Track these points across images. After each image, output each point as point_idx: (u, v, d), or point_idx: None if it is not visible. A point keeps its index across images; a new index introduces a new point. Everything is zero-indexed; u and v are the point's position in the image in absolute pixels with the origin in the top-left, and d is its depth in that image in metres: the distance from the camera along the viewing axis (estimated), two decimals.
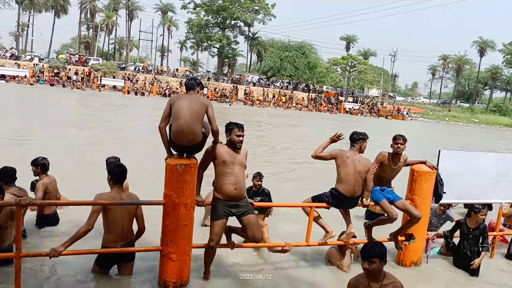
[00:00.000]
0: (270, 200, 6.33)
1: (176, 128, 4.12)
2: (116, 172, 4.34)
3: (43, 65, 45.30)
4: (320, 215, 5.17)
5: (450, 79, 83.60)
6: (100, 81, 44.06)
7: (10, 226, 4.35)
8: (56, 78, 42.72)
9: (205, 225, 5.80)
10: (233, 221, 4.55)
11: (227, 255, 4.99)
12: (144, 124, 19.87)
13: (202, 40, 63.89)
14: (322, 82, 63.01)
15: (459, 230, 5.71)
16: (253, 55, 70.97)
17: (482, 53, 69.67)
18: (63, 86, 40.80)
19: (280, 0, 61.97)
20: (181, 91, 44.59)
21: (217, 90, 49.71)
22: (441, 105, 70.49)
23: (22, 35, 66.56)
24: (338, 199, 4.95)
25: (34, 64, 45.18)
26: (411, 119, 52.91)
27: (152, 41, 66.75)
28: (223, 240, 4.56)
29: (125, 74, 49.23)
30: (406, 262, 5.51)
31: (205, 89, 40.07)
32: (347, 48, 73.41)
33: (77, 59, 49.99)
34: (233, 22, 62.51)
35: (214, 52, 66.12)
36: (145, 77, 50.25)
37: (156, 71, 55.03)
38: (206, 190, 5.81)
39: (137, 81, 48.18)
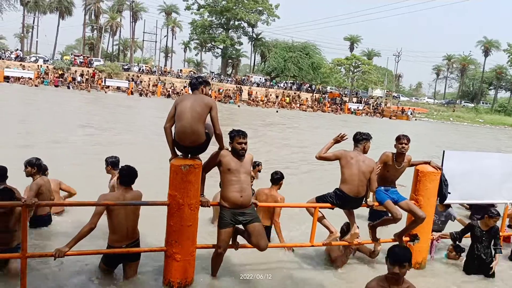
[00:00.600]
0: None
1: (179, 129, 4.15)
2: (125, 173, 4.37)
3: (47, 67, 45.52)
4: (324, 216, 5.17)
5: (454, 79, 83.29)
6: (105, 82, 44.22)
7: (18, 228, 4.37)
8: (60, 79, 42.91)
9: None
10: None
11: (232, 254, 4.98)
12: (149, 125, 19.91)
13: (206, 41, 63.98)
14: (326, 83, 62.93)
15: (470, 232, 5.62)
16: (256, 55, 71.10)
17: (486, 53, 69.36)
18: (68, 87, 40.96)
19: (283, 1, 62.02)
20: (185, 92, 44.76)
21: (221, 91, 49.78)
22: (445, 105, 70.21)
23: (27, 37, 66.91)
24: (342, 200, 4.95)
25: (38, 65, 45.40)
26: (416, 120, 52.74)
27: (156, 42, 67.15)
28: None
29: (129, 75, 49.38)
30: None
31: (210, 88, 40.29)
32: (351, 48, 73.27)
33: (81, 60, 50.23)
34: (236, 23, 62.57)
35: (217, 53, 66.23)
36: (149, 78, 50.39)
37: (160, 72, 55.15)
38: (215, 191, 5.83)
39: (141, 82, 48.32)
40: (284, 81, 60.40)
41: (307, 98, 54.91)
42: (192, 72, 59.81)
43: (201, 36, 63.03)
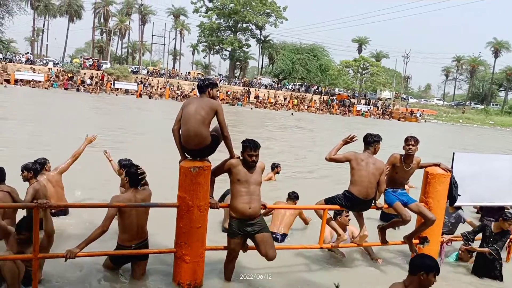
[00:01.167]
0: None
1: (184, 133, 4.22)
2: (133, 173, 4.41)
3: (57, 69, 45.98)
4: (333, 218, 5.17)
5: (464, 81, 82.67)
6: (113, 85, 44.54)
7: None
8: (70, 82, 43.32)
9: (225, 228, 5.78)
10: None
11: (241, 257, 4.99)
12: (160, 128, 20.02)
13: (214, 43, 64.23)
14: (334, 85, 62.83)
15: (481, 232, 5.58)
16: (264, 58, 71.15)
17: (496, 54, 68.80)
18: (77, 90, 41.32)
19: (291, 3, 62.08)
20: (193, 94, 44.95)
21: (229, 93, 49.92)
22: (455, 107, 69.74)
23: (37, 40, 67.63)
24: (352, 202, 4.95)
25: (49, 68, 45.85)
26: (425, 121, 52.44)
27: (164, 44, 67.45)
28: None
29: (137, 77, 49.70)
30: None
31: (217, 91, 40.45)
32: (359, 50, 73.05)
33: (91, 63, 50.67)
34: (244, 25, 62.72)
35: (225, 55, 66.43)
36: (158, 81, 50.68)
37: (168, 74, 55.44)
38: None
39: (149, 84, 48.61)
40: (292, 83, 60.40)
41: (315, 100, 54.85)
42: (200, 75, 60.02)
43: (209, 38, 63.29)
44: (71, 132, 15.24)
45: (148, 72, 55.05)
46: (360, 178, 4.90)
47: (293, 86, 59.49)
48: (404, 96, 71.25)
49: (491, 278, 5.36)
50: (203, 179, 4.19)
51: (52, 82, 42.29)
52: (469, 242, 5.63)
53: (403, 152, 5.24)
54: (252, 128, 23.82)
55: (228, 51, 63.85)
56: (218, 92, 4.48)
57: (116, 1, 66.73)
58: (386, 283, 5.13)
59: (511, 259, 5.97)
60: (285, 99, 53.13)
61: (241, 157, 4.37)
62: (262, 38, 65.79)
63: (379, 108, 56.14)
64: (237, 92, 51.49)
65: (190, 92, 47.35)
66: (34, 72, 42.95)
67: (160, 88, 48.41)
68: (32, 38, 65.92)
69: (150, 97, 43.51)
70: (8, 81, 39.23)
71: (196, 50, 75.06)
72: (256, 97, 51.33)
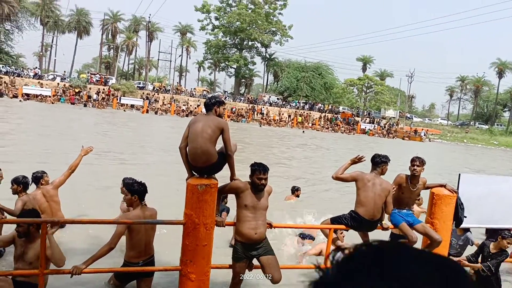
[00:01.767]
0: None
1: (191, 151, 4.26)
2: (143, 191, 4.46)
3: (64, 84, 46.44)
4: (339, 237, 5.15)
5: (468, 101, 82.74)
6: (120, 100, 44.89)
7: None
8: (77, 97, 43.71)
9: (231, 245, 5.77)
10: None
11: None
12: (166, 145, 20.14)
13: (220, 60, 64.83)
14: (338, 103, 63.04)
15: (481, 253, 5.60)
16: (269, 75, 71.68)
17: (500, 74, 68.92)
18: (84, 105, 41.66)
19: (297, 22, 62.79)
20: (198, 111, 45.18)
21: (233, 110, 50.15)
22: (459, 126, 69.64)
23: (45, 55, 68.54)
24: (358, 222, 4.94)
25: (57, 83, 46.29)
26: (429, 141, 52.33)
27: (170, 61, 68.16)
28: None
29: (143, 93, 50.09)
30: None
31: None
32: (364, 69, 73.45)
33: (98, 79, 51.17)
34: (250, 43, 63.36)
35: (231, 72, 66.94)
36: (164, 97, 51.04)
37: (174, 90, 55.86)
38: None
39: (155, 100, 48.95)
40: (297, 101, 60.71)
41: (319, 118, 54.99)
42: (205, 91, 60.44)
43: (215, 55, 63.92)
44: (76, 145, 15.36)
45: (154, 88, 55.50)
46: (366, 198, 4.90)
47: (297, 103, 59.77)
48: (408, 115, 71.30)
49: None
50: (209, 197, 4.21)
51: (59, 97, 42.69)
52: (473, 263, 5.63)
53: (409, 172, 5.25)
54: (270, 148, 24.24)
55: (233, 68, 64.39)
56: (224, 110, 4.52)
57: (124, 18, 67.80)
58: None
59: None
60: (289, 116, 53.30)
61: (240, 179, 4.39)
62: (268, 55, 66.38)
63: (383, 127, 56.16)
64: (242, 109, 51.73)
65: (196, 108, 47.62)
66: (42, 87, 43.41)
67: (166, 104, 48.71)
68: (41, 53, 66.82)
69: (156, 112, 43.76)
70: (16, 96, 39.64)
71: (202, 67, 75.73)
72: (261, 113, 51.54)
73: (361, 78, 59.68)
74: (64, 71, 59.06)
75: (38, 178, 6.05)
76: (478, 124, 72.00)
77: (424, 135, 53.97)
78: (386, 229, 5.28)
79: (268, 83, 73.41)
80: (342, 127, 52.16)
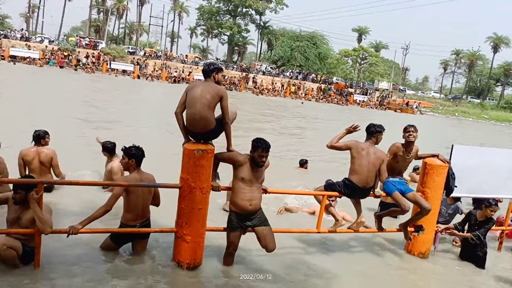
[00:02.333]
0: None
1: (189, 116, 4.24)
2: (140, 155, 4.46)
3: (53, 48, 45.41)
4: (332, 204, 5.24)
5: (462, 75, 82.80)
6: (110, 65, 44.16)
7: None
8: (66, 60, 42.86)
9: (225, 210, 5.85)
10: None
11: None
12: (161, 111, 20.03)
13: (213, 27, 63.76)
14: (332, 73, 62.71)
15: (468, 221, 5.76)
16: (263, 43, 70.71)
17: (496, 49, 68.82)
18: (75, 69, 40.91)
19: None
20: (190, 78, 44.73)
21: (226, 77, 49.68)
22: (451, 100, 69.94)
23: (32, 17, 66.62)
24: (351, 189, 5.02)
25: (46, 46, 45.25)
26: (421, 113, 52.61)
27: (162, 26, 66.70)
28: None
29: (134, 58, 49.25)
30: (414, 252, 5.59)
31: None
32: (359, 40, 72.67)
33: (87, 42, 50.07)
34: (244, 10, 62.18)
35: (224, 40, 65.96)
36: (155, 63, 50.29)
37: (165, 56, 54.97)
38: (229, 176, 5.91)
39: (146, 66, 48.24)
40: (290, 70, 60.24)
41: (312, 88, 54.77)
42: (197, 58, 59.59)
43: (208, 22, 62.79)
44: (70, 111, 15.22)
45: (145, 53, 54.52)
46: (360, 167, 4.96)
47: (291, 73, 59.34)
48: (402, 88, 71.31)
49: (475, 264, 5.56)
50: (206, 162, 4.23)
51: (47, 60, 41.84)
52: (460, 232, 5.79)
53: (403, 141, 5.31)
54: (275, 117, 24.40)
55: (226, 35, 63.38)
56: (222, 77, 4.47)
57: None
58: (381, 268, 5.27)
59: (502, 249, 6.10)
60: (282, 86, 52.99)
61: (249, 155, 4.37)
62: (262, 23, 65.31)
63: (376, 99, 56.20)
64: (235, 77, 51.27)
65: (188, 75, 47.09)
66: (29, 49, 42.41)
67: (157, 70, 48.06)
68: (28, 15, 64.98)
69: (147, 78, 43.19)
70: (3, 57, 38.72)
71: (194, 33, 74.47)
72: (254, 82, 51.16)
73: (356, 49, 59.21)
74: (51, 37, 57.57)
75: (40, 136, 6.07)
76: (470, 98, 72.38)
77: (416, 107, 54.21)
78: (378, 197, 5.37)
79: (262, 52, 72.55)
80: (335, 98, 52.10)
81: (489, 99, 72.00)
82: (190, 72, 48.31)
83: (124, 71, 44.51)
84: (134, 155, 4.41)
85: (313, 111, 33.43)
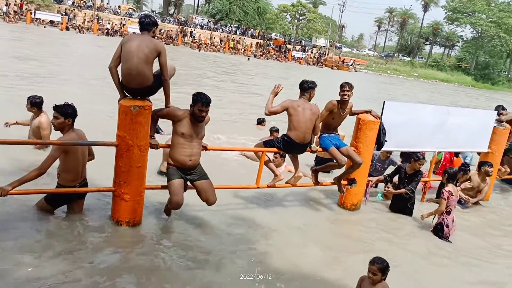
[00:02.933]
0: None
1: (125, 71, 4.06)
2: (76, 114, 4.23)
3: None
4: (270, 159, 5.36)
5: (394, 33, 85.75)
6: (34, 15, 40.64)
7: None
8: None
9: (161, 172, 5.77)
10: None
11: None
12: (93, 65, 18.90)
13: None
14: (271, 29, 62.30)
15: (398, 174, 6.17)
16: None
17: (426, 8, 71.62)
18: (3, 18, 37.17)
19: None
20: (124, 31, 42.47)
21: (162, 31, 47.65)
22: (384, 58, 72.54)
23: None
24: (289, 145, 5.16)
25: None
26: (355, 71, 54.21)
27: None
28: None
29: (60, 8, 45.59)
30: (347, 204, 5.92)
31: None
32: None
33: None
34: None
35: None
36: (85, 13, 46.96)
37: (96, 7, 51.43)
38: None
39: (75, 16, 44.97)
40: (229, 25, 58.95)
41: (251, 44, 54.21)
42: (131, 10, 56.39)
43: None
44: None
45: (73, 3, 50.54)
46: (298, 123, 5.08)
47: (229, 28, 58.12)
48: (338, 45, 72.66)
49: (404, 214, 6.06)
50: (143, 119, 4.12)
51: None
52: (388, 183, 6.21)
53: (338, 99, 5.48)
54: (224, 74, 23.77)
55: None
56: (158, 31, 4.27)
57: None
58: (316, 220, 5.55)
59: (425, 199, 6.64)
60: (221, 41, 51.91)
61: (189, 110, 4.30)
62: None
63: (314, 56, 56.92)
64: (171, 30, 49.35)
65: (121, 28, 44.63)
66: None
67: (88, 22, 45.01)
68: None
69: (78, 30, 40.35)
70: None
71: None
72: (192, 36, 49.62)
73: (295, 4, 58.93)
74: None
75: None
76: (402, 56, 75.48)
77: (352, 65, 55.73)
78: (315, 152, 5.58)
79: (200, 5, 70.04)
80: (274, 54, 52.06)
81: (418, 57, 75.59)
82: (123, 25, 45.79)
83: (51, 22, 41.22)
84: (71, 114, 4.19)
85: (261, 68, 33.24)
